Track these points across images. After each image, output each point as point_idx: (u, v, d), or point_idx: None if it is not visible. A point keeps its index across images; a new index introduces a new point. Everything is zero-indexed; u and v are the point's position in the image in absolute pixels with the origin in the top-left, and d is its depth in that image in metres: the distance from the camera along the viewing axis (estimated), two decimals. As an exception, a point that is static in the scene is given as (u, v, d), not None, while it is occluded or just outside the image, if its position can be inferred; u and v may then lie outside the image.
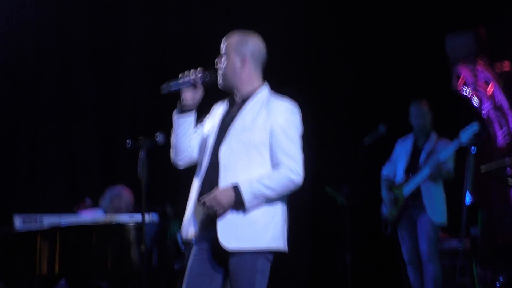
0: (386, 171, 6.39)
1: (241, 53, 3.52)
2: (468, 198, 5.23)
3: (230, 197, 3.33)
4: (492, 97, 7.61)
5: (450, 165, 6.02)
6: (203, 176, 3.50)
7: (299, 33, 8.25)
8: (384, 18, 8.09)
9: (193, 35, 7.82)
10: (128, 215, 5.52)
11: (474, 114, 7.68)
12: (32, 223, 5.47)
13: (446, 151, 5.94)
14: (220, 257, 3.42)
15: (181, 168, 3.74)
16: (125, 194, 6.11)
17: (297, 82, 8.17)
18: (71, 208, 6.07)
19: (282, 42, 8.10)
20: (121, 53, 8.15)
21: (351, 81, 8.19)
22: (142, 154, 4.34)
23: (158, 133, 4.44)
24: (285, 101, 3.52)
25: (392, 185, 6.26)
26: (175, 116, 3.59)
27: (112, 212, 5.94)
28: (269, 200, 3.40)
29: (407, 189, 6.11)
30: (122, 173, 7.69)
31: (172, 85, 3.58)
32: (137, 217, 5.11)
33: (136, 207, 5.90)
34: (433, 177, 5.97)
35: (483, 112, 7.72)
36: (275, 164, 3.42)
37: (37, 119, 7.92)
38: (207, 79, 3.53)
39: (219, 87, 3.58)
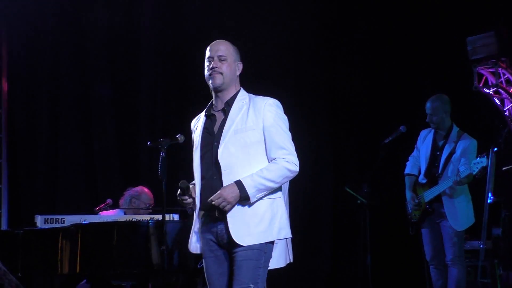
0: (409, 168, 6.29)
1: (238, 59, 3.85)
2: (490, 198, 5.20)
3: (235, 192, 3.59)
4: (514, 97, 7.54)
5: (467, 166, 5.87)
6: (204, 184, 3.71)
7: (315, 35, 8.24)
8: (406, 17, 8.06)
9: (208, 36, 7.81)
10: (149, 215, 5.55)
11: (496, 114, 7.61)
12: (53, 223, 5.52)
13: (463, 171, 5.82)
14: (227, 248, 3.68)
15: None
16: (145, 194, 6.14)
17: (315, 84, 8.17)
18: (92, 209, 6.11)
19: (298, 46, 8.12)
20: (139, 54, 8.19)
21: (371, 81, 8.16)
22: (162, 154, 4.38)
23: (179, 134, 4.48)
24: (268, 99, 3.79)
25: (416, 184, 6.19)
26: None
27: (132, 212, 5.97)
28: (272, 193, 3.68)
29: (428, 196, 6.04)
30: (142, 174, 7.74)
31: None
32: (158, 217, 5.15)
33: (157, 207, 5.94)
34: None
35: (506, 112, 7.65)
36: (271, 159, 3.69)
37: (56, 121, 7.99)
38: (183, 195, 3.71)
39: (213, 86, 3.78)
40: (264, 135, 3.69)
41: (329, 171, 8.01)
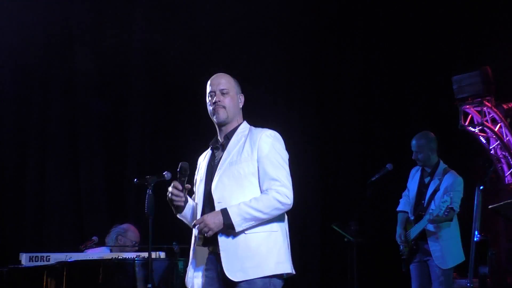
0: (401, 205, 6.27)
1: (239, 92, 3.82)
2: (476, 236, 5.20)
3: (217, 219, 3.52)
4: (499, 136, 7.60)
5: (450, 201, 5.79)
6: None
7: (302, 71, 8.32)
8: (392, 55, 8.16)
9: (196, 64, 7.84)
10: (135, 253, 5.51)
11: (482, 153, 7.67)
12: (39, 261, 5.46)
13: (434, 209, 5.78)
14: (229, 284, 3.56)
15: None
16: (131, 231, 6.10)
17: (304, 123, 8.21)
18: (77, 246, 6.06)
19: (287, 82, 8.19)
20: (129, 92, 8.21)
21: (358, 119, 8.22)
22: (148, 191, 4.36)
23: (165, 171, 4.47)
24: (266, 130, 3.73)
25: (407, 221, 6.19)
26: (179, 216, 3.81)
27: (118, 250, 5.92)
28: (268, 225, 3.57)
29: (413, 233, 6.03)
30: (129, 211, 7.70)
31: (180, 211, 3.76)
32: (144, 254, 5.11)
33: (143, 245, 5.89)
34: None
35: (491, 150, 7.71)
36: (263, 191, 3.59)
37: (43, 158, 7.95)
38: (183, 173, 3.65)
39: (218, 121, 3.75)
40: (258, 168, 3.61)
41: (317, 208, 8.01)
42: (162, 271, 4.99)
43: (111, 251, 5.96)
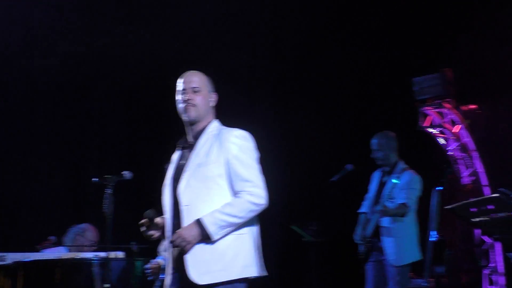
0: (363, 207, 6.26)
1: (212, 90, 3.75)
2: (433, 237, 5.25)
3: (193, 231, 3.41)
4: (458, 137, 7.71)
5: (403, 198, 5.87)
6: (170, 221, 3.58)
7: (268, 71, 8.34)
8: (354, 58, 8.22)
9: (161, 66, 7.79)
10: (93, 252, 5.46)
11: (440, 154, 7.77)
12: (-6, 261, 5.38)
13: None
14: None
15: None
16: (89, 231, 6.05)
17: (266, 124, 8.23)
18: (34, 246, 5.98)
19: (249, 81, 8.20)
20: (90, 90, 8.14)
21: (319, 119, 8.26)
22: (107, 191, 4.32)
23: (125, 171, 4.44)
24: (235, 130, 3.65)
25: (366, 221, 6.21)
26: None
27: (76, 249, 5.86)
28: (237, 228, 3.48)
29: (368, 230, 6.02)
30: (88, 211, 7.62)
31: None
32: (102, 254, 5.06)
33: (101, 245, 5.84)
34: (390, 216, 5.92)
35: (449, 152, 7.81)
36: (236, 193, 3.52)
37: (0, 155, 7.84)
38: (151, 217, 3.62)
39: (186, 118, 3.67)
40: (227, 169, 3.52)
41: (277, 208, 8.02)
42: (120, 270, 4.95)
43: (69, 251, 5.90)
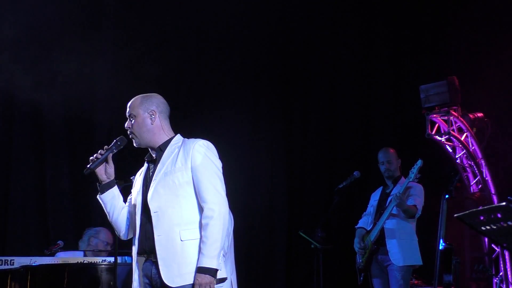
0: (361, 223, 6.37)
1: (148, 109, 3.75)
2: (441, 245, 5.25)
3: (205, 279, 3.49)
4: (465, 145, 7.70)
5: (413, 201, 6.02)
6: (139, 230, 3.66)
7: (273, 80, 8.34)
8: (359, 67, 8.23)
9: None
10: (102, 257, 5.47)
11: (448, 161, 7.76)
12: (2, 265, 5.39)
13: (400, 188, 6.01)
14: None
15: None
16: (103, 232, 6.09)
17: (271, 130, 8.24)
18: (43, 251, 5.99)
19: (254, 90, 8.20)
20: (95, 94, 8.14)
21: (326, 127, 8.26)
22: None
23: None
24: (199, 140, 3.71)
25: (365, 234, 6.26)
26: (100, 198, 3.86)
27: (92, 254, 5.88)
28: (200, 230, 3.54)
29: (373, 234, 6.11)
30: (96, 216, 7.62)
31: (92, 166, 3.77)
32: (110, 259, 5.08)
33: (110, 250, 5.86)
34: (398, 213, 5.98)
35: (457, 160, 7.81)
36: (201, 201, 3.58)
37: (8, 158, 7.84)
38: (119, 144, 3.74)
39: (136, 146, 3.75)
40: (192, 176, 3.60)
41: (284, 215, 8.02)
42: (127, 276, 4.95)
43: (85, 254, 5.92)
